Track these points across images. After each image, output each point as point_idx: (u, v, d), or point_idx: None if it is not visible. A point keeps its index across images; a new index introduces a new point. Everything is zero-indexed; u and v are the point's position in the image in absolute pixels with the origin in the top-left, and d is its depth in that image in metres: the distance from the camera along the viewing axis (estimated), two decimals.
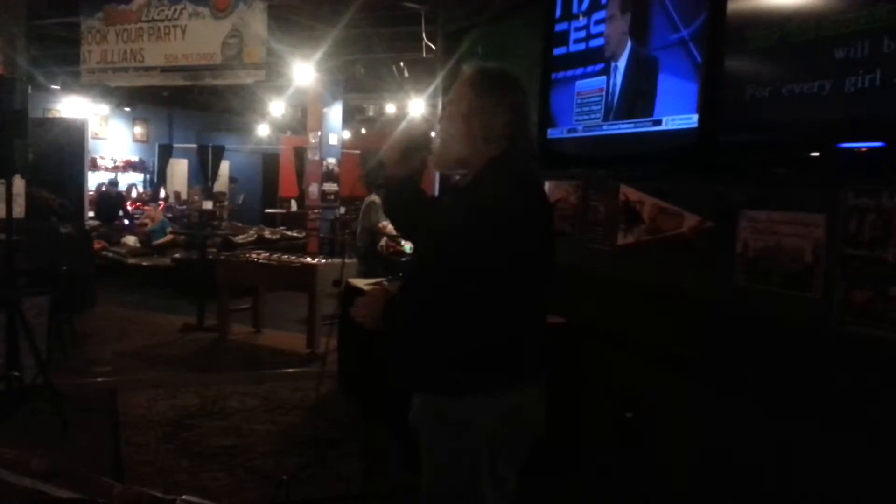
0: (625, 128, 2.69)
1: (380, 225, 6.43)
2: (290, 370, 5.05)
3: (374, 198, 7.06)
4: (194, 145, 14.06)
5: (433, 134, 1.75)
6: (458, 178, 1.73)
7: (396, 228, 1.98)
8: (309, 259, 5.97)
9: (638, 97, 2.59)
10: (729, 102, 2.21)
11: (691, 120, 2.43)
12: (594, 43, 2.87)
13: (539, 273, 1.56)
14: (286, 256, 6.12)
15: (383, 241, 6.32)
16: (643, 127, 2.60)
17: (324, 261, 5.88)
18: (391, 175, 1.76)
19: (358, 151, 14.02)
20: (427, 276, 1.55)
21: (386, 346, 1.62)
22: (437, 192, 3.89)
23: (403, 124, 1.80)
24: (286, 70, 8.53)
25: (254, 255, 6.19)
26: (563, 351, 2.92)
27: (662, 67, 2.48)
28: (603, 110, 2.80)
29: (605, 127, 2.79)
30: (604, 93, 2.78)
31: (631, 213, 2.84)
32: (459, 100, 1.62)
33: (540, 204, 1.63)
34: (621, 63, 2.70)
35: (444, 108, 1.72)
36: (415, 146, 1.74)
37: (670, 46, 2.45)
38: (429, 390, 1.59)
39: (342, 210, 11.19)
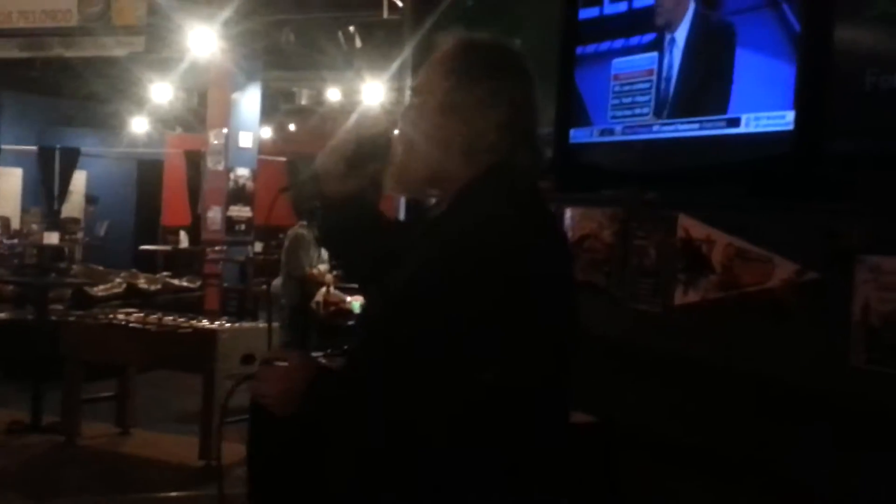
0: (685, 129, 2.71)
1: (313, 271, 6.21)
2: (174, 494, 4.88)
3: (304, 230, 6.84)
4: (33, 147, 13.56)
5: (395, 134, 1.75)
6: (431, 204, 1.77)
7: (345, 273, 1.91)
8: (206, 322, 5.78)
9: (705, 84, 2.63)
10: (841, 93, 2.24)
11: (784, 119, 2.42)
12: (641, 2, 2.88)
13: (561, 355, 1.56)
14: (171, 318, 5.91)
15: (319, 295, 6.09)
16: (713, 129, 2.61)
17: (228, 325, 5.73)
18: (331, 193, 1.76)
19: (284, 158, 13.93)
20: (383, 360, 1.52)
21: (325, 458, 1.60)
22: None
23: (353, 119, 1.84)
24: (176, 37, 8.33)
25: (121, 316, 5.95)
26: (590, 466, 2.88)
27: (742, 40, 2.50)
28: (654, 103, 2.80)
29: (655, 128, 2.83)
30: (654, 77, 2.80)
31: (695, 256, 2.80)
32: (431, 88, 1.61)
33: (557, 244, 1.65)
34: (680, 34, 2.72)
35: (409, 98, 1.74)
36: (369, 149, 1.73)
37: (753, 10, 2.48)
38: None
39: (258, 248, 10.94)
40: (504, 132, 1.56)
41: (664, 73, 2.76)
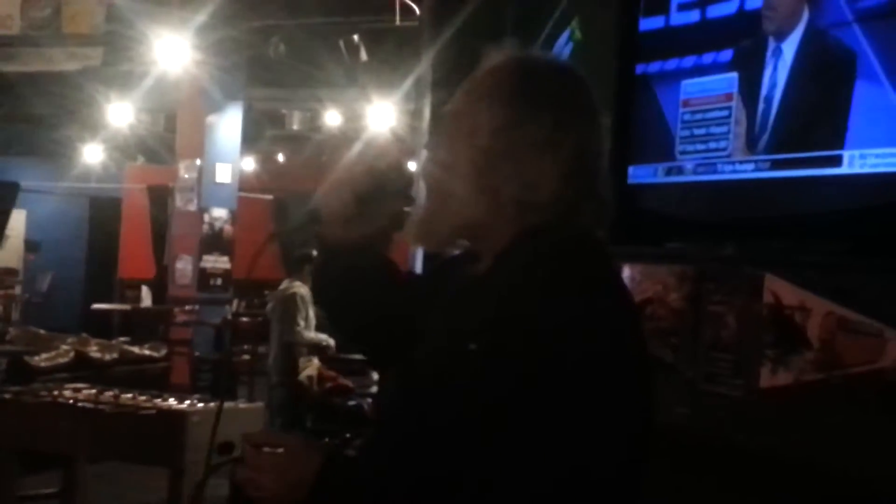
0: (774, 169, 2.71)
1: (308, 337, 6.07)
2: None
3: (301, 288, 6.60)
4: None
5: (413, 169, 1.82)
6: (457, 255, 1.76)
7: (344, 339, 1.98)
8: (173, 402, 5.63)
9: (813, 116, 2.62)
10: None
11: None
12: (717, 10, 2.85)
13: (633, 451, 1.53)
14: (130, 396, 5.75)
15: (312, 368, 5.92)
16: (808, 168, 2.61)
17: (201, 405, 5.56)
18: (335, 239, 1.74)
19: (270, 196, 13.84)
20: (412, 451, 1.50)
21: None
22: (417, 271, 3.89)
23: (357, 148, 1.85)
24: (140, 47, 8.21)
25: (68, 393, 5.80)
26: None
27: (861, 58, 2.50)
28: (735, 135, 2.80)
29: (738, 166, 2.81)
30: (734, 102, 2.82)
31: (786, 328, 2.76)
32: (473, 120, 1.58)
33: (629, 319, 1.61)
34: (788, 47, 2.70)
35: (438, 125, 1.80)
36: (387, 185, 1.70)
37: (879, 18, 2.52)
38: None
39: (237, 306, 10.84)
40: (565, 179, 1.53)
41: (764, 94, 2.73)
